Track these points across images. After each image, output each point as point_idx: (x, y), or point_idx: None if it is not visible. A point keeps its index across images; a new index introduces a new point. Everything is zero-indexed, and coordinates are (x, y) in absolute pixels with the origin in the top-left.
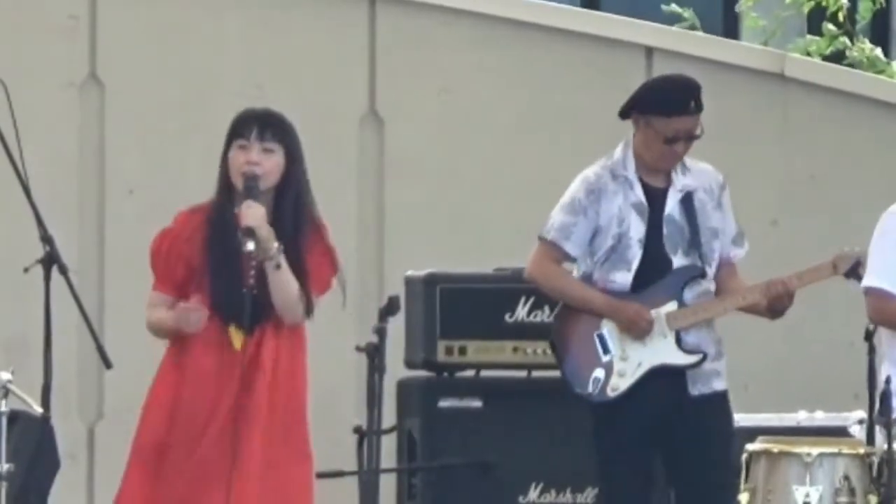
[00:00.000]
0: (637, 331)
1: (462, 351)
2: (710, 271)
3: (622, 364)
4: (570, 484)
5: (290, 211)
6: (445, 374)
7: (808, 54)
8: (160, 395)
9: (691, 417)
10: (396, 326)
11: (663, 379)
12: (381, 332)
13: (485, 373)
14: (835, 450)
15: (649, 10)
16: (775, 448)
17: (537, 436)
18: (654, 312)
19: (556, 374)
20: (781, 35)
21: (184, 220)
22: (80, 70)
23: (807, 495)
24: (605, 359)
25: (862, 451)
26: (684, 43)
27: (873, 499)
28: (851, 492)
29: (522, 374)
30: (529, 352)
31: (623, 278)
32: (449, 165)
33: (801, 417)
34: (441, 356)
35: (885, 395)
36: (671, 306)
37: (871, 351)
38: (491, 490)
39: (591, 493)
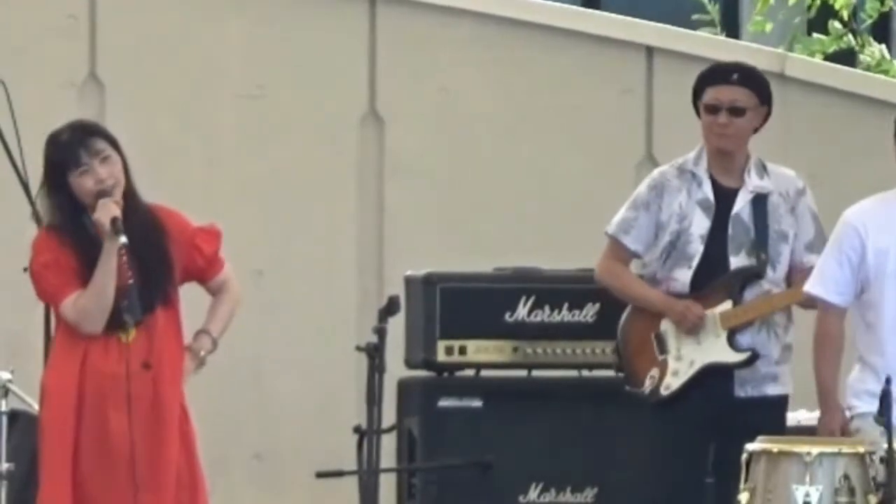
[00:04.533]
0: (687, 325)
1: (462, 350)
2: (775, 274)
3: (676, 363)
4: (570, 483)
5: (141, 205)
6: (445, 373)
7: (812, 54)
8: (64, 399)
9: (738, 419)
10: (396, 326)
11: (713, 379)
12: (381, 332)
13: (485, 372)
14: (835, 449)
15: (650, 11)
16: (775, 447)
17: (537, 435)
18: (708, 312)
19: (556, 373)
20: (788, 38)
21: (43, 243)
22: (79, 70)
23: (807, 495)
24: (660, 358)
25: (862, 450)
26: (685, 42)
27: (873, 498)
28: (851, 491)
29: (522, 373)
30: (529, 351)
31: (684, 276)
32: (449, 165)
33: (802, 417)
34: (441, 356)
35: (885, 395)
36: (726, 305)
37: None
38: (491, 490)
39: (590, 492)
